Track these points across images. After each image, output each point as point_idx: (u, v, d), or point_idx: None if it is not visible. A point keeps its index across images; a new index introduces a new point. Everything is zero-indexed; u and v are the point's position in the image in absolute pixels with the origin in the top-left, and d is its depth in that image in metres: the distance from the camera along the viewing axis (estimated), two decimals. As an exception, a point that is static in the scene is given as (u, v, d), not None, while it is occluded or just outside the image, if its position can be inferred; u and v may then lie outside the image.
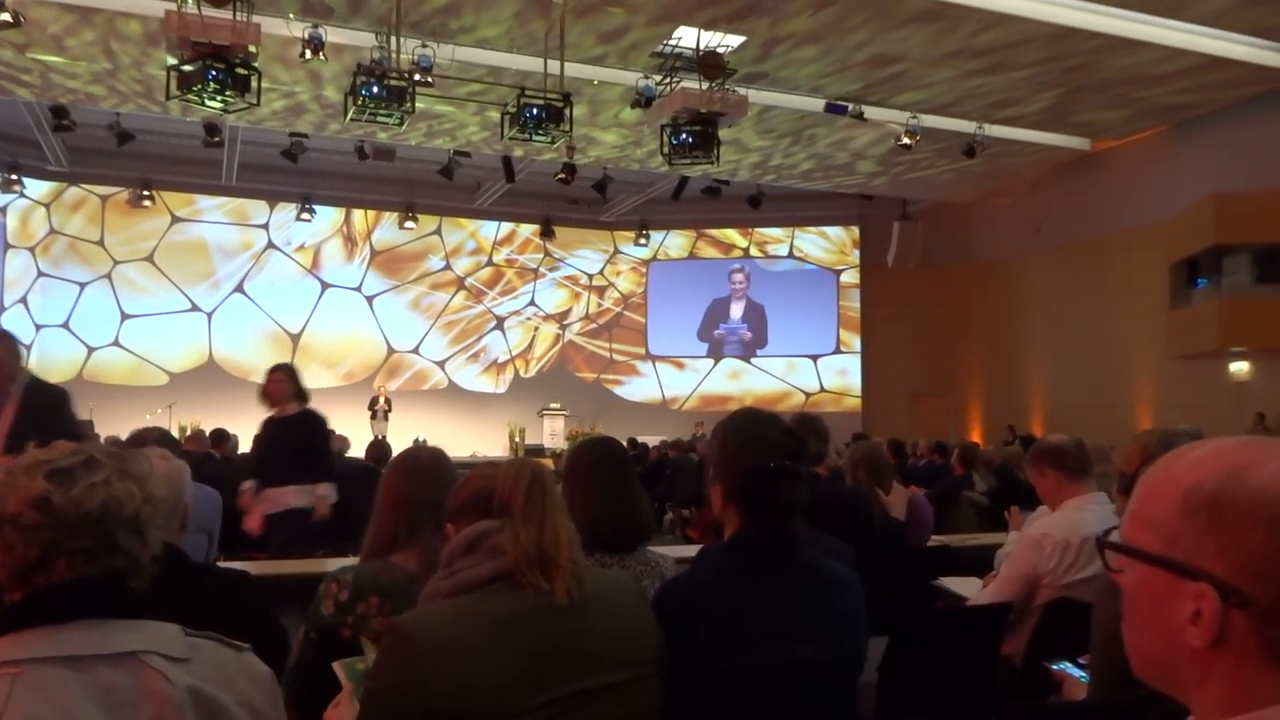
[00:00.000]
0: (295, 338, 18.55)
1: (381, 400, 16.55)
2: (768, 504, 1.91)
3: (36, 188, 16.67)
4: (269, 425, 5.62)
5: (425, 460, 2.42)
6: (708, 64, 9.97)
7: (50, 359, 16.78)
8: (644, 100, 10.71)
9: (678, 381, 20.59)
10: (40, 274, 16.98)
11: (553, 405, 17.43)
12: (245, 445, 8.36)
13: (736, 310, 20.54)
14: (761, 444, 1.94)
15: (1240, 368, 12.90)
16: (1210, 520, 0.83)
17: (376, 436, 11.28)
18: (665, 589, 1.98)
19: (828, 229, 20.29)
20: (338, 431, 8.77)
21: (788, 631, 1.87)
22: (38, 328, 16.78)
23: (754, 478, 1.91)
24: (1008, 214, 17.32)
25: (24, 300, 16.72)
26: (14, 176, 15.84)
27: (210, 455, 7.89)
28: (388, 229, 19.17)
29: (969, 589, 3.90)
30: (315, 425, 5.64)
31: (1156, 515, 0.87)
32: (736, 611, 1.87)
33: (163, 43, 8.98)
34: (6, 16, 8.69)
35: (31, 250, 16.92)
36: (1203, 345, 12.69)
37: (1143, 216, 13.96)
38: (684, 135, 10.40)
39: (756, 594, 1.89)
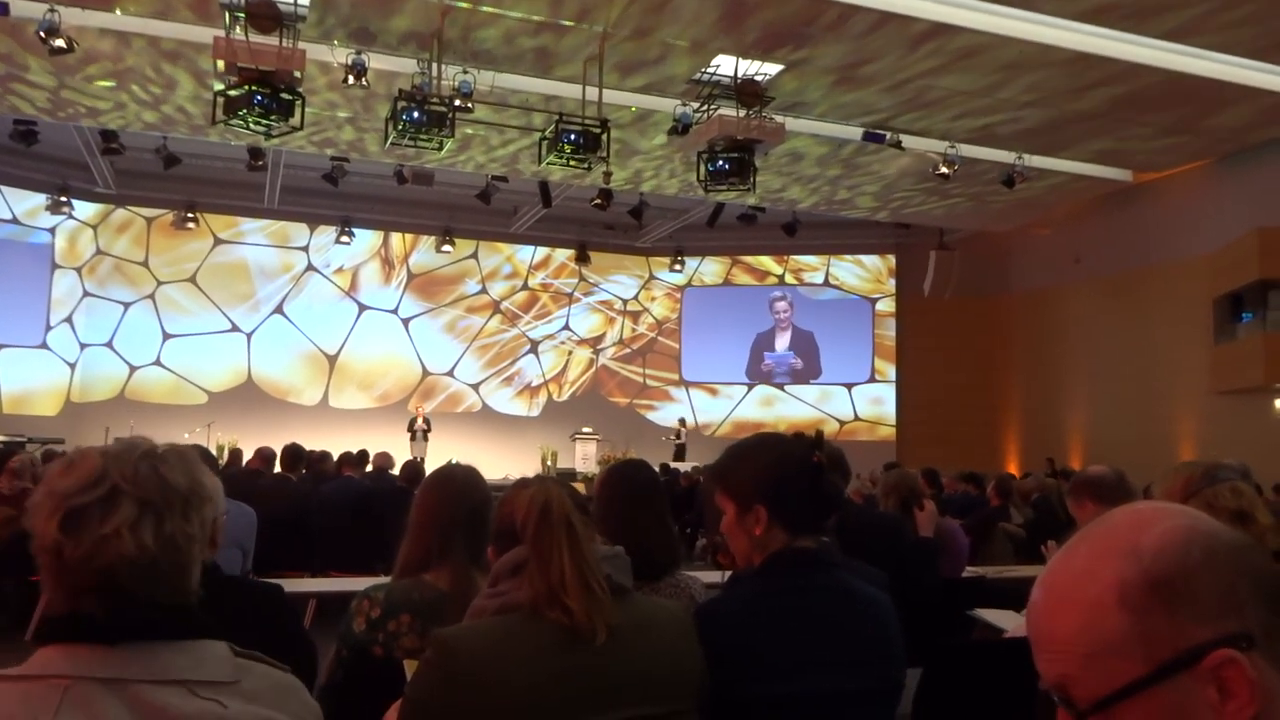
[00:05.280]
0: (332, 359, 18.74)
1: (420, 421, 16.65)
2: (805, 499, 1.88)
3: (84, 209, 17.03)
4: None
5: (458, 479, 2.41)
6: (745, 91, 10.00)
7: (94, 377, 17.12)
8: (681, 127, 10.76)
9: (711, 408, 20.53)
10: (86, 294, 17.31)
11: (585, 430, 17.45)
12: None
13: (782, 341, 20.42)
14: (783, 447, 1.94)
15: (1286, 404, 12.64)
16: (1165, 596, 0.78)
17: (415, 458, 11.30)
18: (695, 613, 1.93)
19: (864, 257, 20.22)
20: (382, 450, 8.87)
21: (823, 658, 1.82)
22: (82, 346, 17.12)
23: (789, 475, 1.88)
24: (1046, 244, 17.15)
25: (70, 319, 17.04)
26: (63, 198, 16.21)
27: (253, 470, 7.98)
28: (425, 252, 19.37)
29: (1006, 621, 3.84)
30: None
31: (1107, 640, 0.80)
32: (768, 637, 1.82)
33: (208, 68, 9.15)
34: (60, 43, 8.83)
35: (78, 270, 17.25)
36: (1247, 381, 12.43)
37: (1185, 249, 13.77)
38: (720, 162, 10.43)
39: (790, 619, 1.84)
